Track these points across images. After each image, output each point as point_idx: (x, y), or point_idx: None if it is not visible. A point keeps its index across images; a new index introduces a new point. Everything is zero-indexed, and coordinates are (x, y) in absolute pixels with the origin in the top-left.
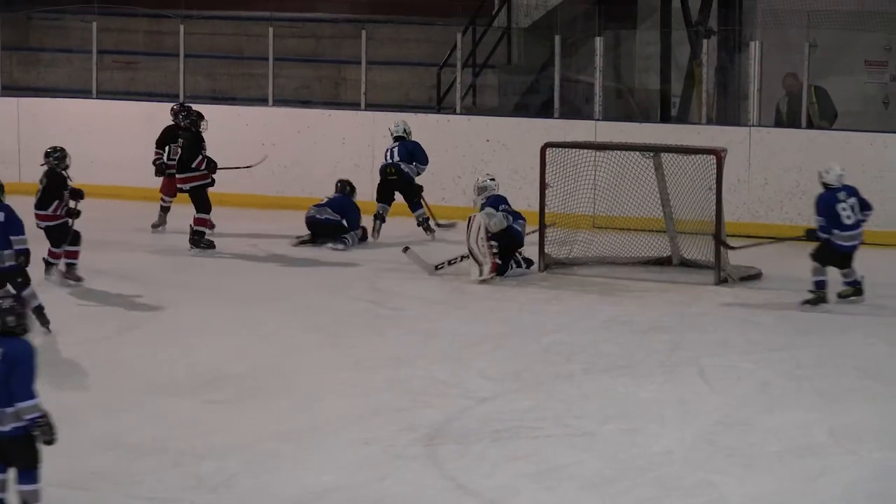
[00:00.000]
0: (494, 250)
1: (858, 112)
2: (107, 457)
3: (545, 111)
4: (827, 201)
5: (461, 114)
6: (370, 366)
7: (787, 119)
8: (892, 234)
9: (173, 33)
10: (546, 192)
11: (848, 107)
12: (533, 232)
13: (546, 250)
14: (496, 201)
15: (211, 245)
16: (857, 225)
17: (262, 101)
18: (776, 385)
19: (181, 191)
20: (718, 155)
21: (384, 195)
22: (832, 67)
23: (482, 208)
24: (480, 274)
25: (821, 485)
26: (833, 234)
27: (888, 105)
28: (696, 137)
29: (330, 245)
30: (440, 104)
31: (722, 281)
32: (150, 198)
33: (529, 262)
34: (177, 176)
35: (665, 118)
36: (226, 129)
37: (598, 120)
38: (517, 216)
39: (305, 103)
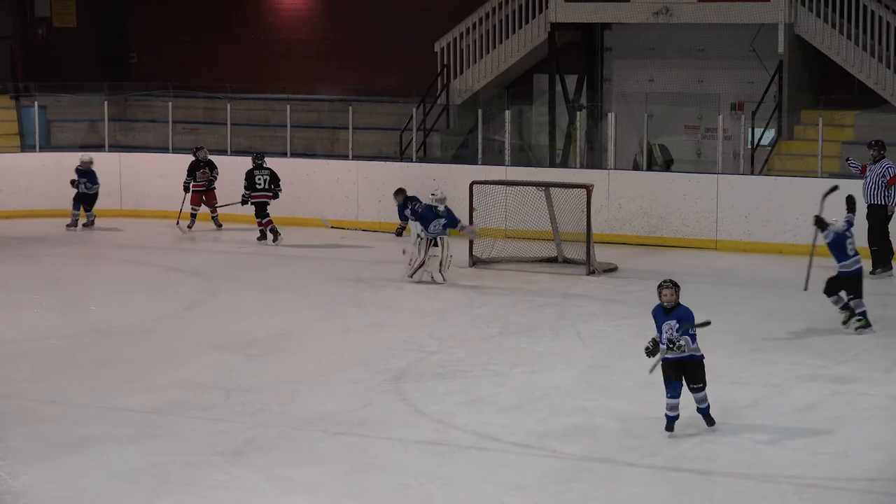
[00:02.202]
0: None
1: (680, 160)
2: (179, 392)
3: (472, 159)
4: None
5: (416, 161)
6: (355, 331)
7: (644, 164)
8: (703, 241)
9: (223, 109)
10: (473, 215)
11: (675, 156)
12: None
13: (474, 252)
14: (450, 215)
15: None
16: None
17: (283, 154)
18: (628, 342)
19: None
20: (588, 189)
21: None
22: (663, 130)
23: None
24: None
25: (657, 409)
26: None
27: (700, 155)
28: (573, 177)
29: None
30: (402, 155)
31: (591, 272)
32: (203, 217)
33: None
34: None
35: (552, 164)
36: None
37: (508, 165)
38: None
39: (311, 155)
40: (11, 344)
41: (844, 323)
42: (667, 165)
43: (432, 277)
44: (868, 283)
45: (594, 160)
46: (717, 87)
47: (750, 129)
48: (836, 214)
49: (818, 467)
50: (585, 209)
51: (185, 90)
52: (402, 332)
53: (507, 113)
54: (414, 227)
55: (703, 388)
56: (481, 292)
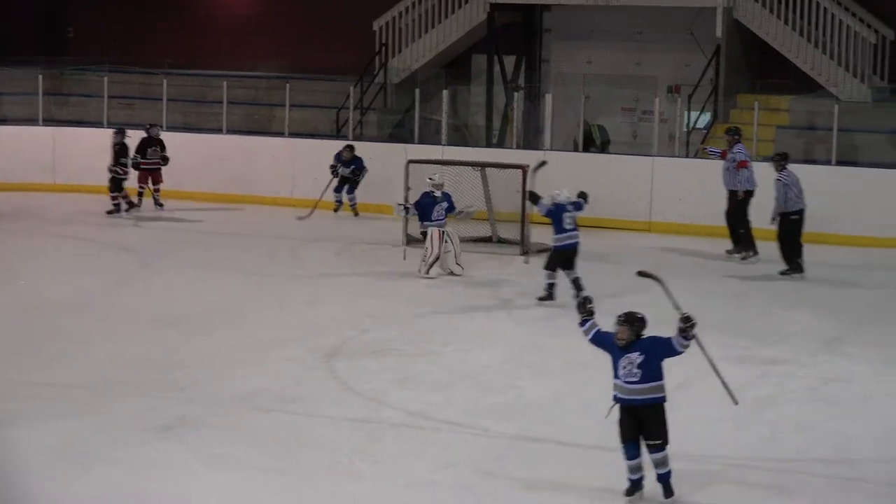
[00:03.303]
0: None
1: (616, 142)
2: (111, 367)
3: (409, 139)
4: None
5: (353, 140)
6: (288, 307)
7: (583, 145)
8: (637, 223)
9: (159, 85)
10: (409, 194)
11: (611, 137)
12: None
13: (408, 232)
14: (450, 199)
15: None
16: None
17: (219, 131)
18: (560, 320)
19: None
20: (524, 169)
21: None
22: (600, 112)
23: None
24: (422, 270)
25: (587, 389)
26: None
27: (636, 137)
28: (509, 157)
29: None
30: (338, 133)
31: (524, 252)
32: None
33: None
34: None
35: (489, 145)
36: (193, 150)
37: (444, 145)
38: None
39: (247, 132)
40: None
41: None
42: (603, 147)
43: (451, 271)
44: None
45: (531, 141)
46: (654, 70)
47: (686, 113)
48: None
49: (745, 448)
50: (521, 189)
51: (122, 65)
52: (336, 311)
53: (445, 93)
54: (398, 209)
55: (662, 447)
56: (415, 271)
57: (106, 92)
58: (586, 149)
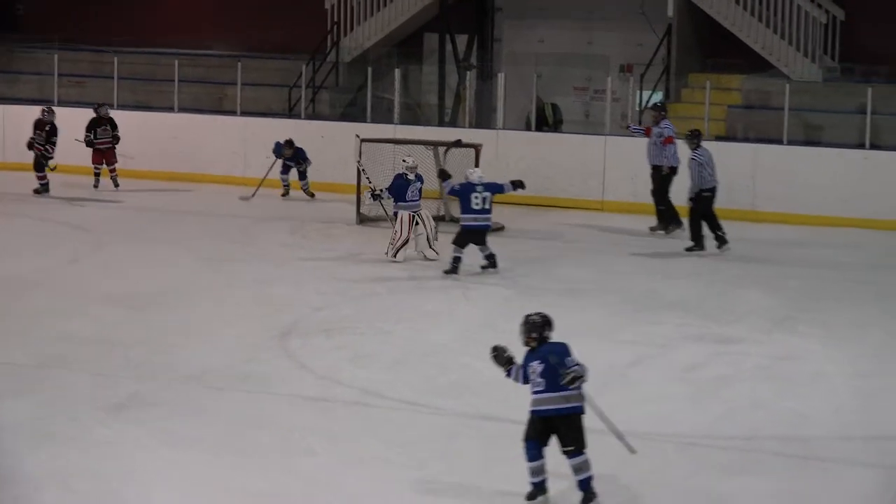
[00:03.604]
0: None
1: (568, 121)
2: (63, 345)
3: (361, 117)
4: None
5: (305, 119)
6: (240, 286)
7: (535, 124)
8: (589, 202)
9: (109, 63)
10: (362, 173)
11: (564, 116)
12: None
13: (361, 210)
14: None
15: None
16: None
17: (170, 109)
18: (515, 301)
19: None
20: (477, 148)
21: None
22: (553, 91)
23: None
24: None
25: None
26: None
27: (588, 116)
28: (463, 136)
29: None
30: (291, 112)
31: None
32: (88, 172)
33: None
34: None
35: (441, 123)
36: (144, 129)
37: (397, 124)
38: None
39: (199, 111)
40: None
41: (484, 268)
42: (556, 126)
43: (424, 255)
44: (747, 246)
45: (483, 120)
46: (606, 50)
47: (638, 92)
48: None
49: (700, 426)
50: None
51: (72, 43)
52: (288, 289)
53: (397, 71)
54: (368, 199)
55: (579, 452)
56: (369, 250)
57: (56, 70)
58: (539, 128)
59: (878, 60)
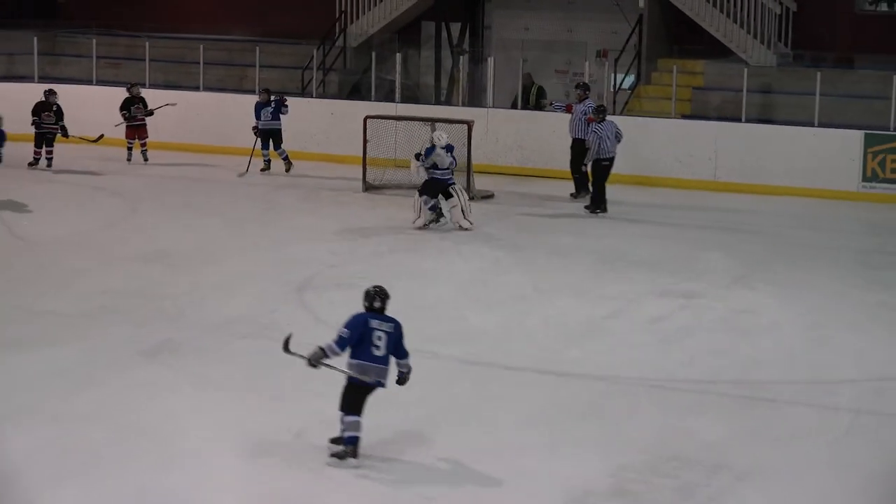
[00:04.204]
0: (429, 206)
1: (552, 100)
2: (104, 298)
3: (366, 96)
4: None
5: (316, 97)
6: (262, 246)
7: (521, 101)
8: (569, 172)
9: (142, 47)
10: (367, 146)
11: (547, 96)
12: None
13: (367, 179)
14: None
15: None
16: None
17: (196, 88)
18: (504, 260)
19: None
20: (469, 125)
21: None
22: (537, 74)
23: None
24: (470, 225)
25: (528, 319)
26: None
27: (568, 96)
28: (456, 114)
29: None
30: (303, 91)
31: (470, 198)
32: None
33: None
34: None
35: (437, 102)
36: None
37: (398, 102)
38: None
39: (222, 90)
40: None
41: (430, 223)
42: (540, 106)
43: (459, 226)
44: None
45: (475, 99)
46: (584, 37)
47: (613, 75)
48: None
49: (665, 370)
50: (466, 143)
51: (108, 29)
52: (304, 249)
53: (398, 56)
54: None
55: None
56: (374, 214)
57: (94, 53)
58: (525, 105)
59: (826, 47)
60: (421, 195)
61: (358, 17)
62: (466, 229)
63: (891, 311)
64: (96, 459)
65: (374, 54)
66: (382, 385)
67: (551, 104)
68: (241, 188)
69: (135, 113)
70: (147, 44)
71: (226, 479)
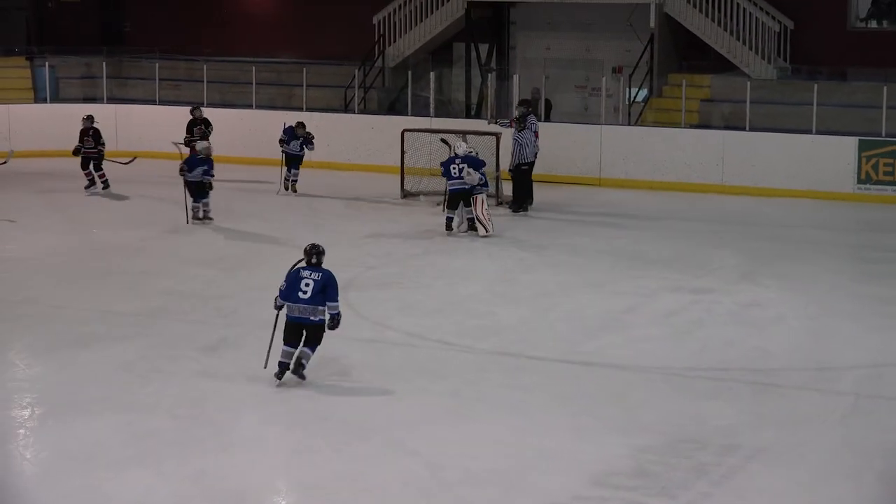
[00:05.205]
0: (489, 217)
1: (572, 113)
2: (165, 298)
3: (404, 112)
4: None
5: (358, 113)
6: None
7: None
8: (589, 179)
9: (200, 69)
10: (404, 157)
11: (567, 109)
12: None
13: (405, 187)
14: (476, 164)
15: None
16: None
17: (249, 107)
18: (529, 259)
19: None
20: (497, 137)
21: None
22: (558, 89)
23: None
24: (486, 232)
25: (551, 313)
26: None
27: (587, 109)
28: (485, 126)
29: None
30: (346, 108)
31: (499, 203)
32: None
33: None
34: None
35: (467, 116)
36: (229, 122)
37: (432, 117)
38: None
39: (272, 108)
40: (28, 260)
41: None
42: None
43: (474, 229)
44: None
45: (501, 113)
46: (601, 55)
47: (627, 89)
48: None
49: (681, 360)
50: (495, 153)
51: (169, 54)
52: (347, 252)
53: (432, 74)
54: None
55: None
56: (410, 220)
57: (157, 76)
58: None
59: (821, 62)
60: (448, 208)
61: (395, 40)
62: (483, 236)
63: (885, 302)
64: (160, 445)
65: (410, 73)
66: (309, 321)
67: (497, 121)
68: (289, 198)
69: (196, 134)
70: (205, 66)
71: (279, 462)
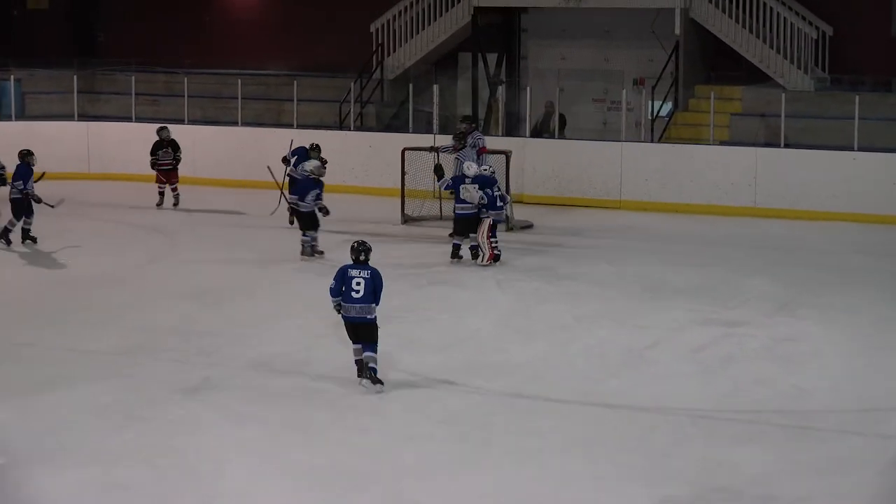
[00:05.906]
0: (494, 244)
1: (589, 129)
2: (143, 335)
3: (404, 128)
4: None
5: (354, 130)
6: (297, 281)
7: (541, 128)
8: (608, 201)
9: (180, 83)
10: (405, 178)
11: (584, 125)
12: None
13: (406, 212)
14: (488, 183)
15: None
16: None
17: (234, 123)
18: (542, 290)
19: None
20: (507, 154)
21: None
22: (573, 102)
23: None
24: (482, 260)
25: (570, 349)
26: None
27: (605, 124)
28: (494, 144)
29: None
30: (341, 124)
31: (509, 229)
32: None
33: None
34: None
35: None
36: (210, 141)
37: (436, 134)
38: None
39: (260, 125)
40: None
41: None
42: (564, 131)
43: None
44: None
45: (512, 128)
46: (621, 65)
47: (650, 102)
48: None
49: (710, 400)
50: (505, 172)
51: (147, 66)
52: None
53: (435, 87)
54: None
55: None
56: (412, 247)
57: (133, 90)
58: (540, 134)
59: (863, 71)
60: (455, 234)
61: (395, 50)
62: (480, 264)
63: None
64: (137, 499)
65: (411, 86)
66: (366, 320)
67: (439, 148)
68: (277, 223)
69: (162, 157)
70: (185, 79)
71: None
